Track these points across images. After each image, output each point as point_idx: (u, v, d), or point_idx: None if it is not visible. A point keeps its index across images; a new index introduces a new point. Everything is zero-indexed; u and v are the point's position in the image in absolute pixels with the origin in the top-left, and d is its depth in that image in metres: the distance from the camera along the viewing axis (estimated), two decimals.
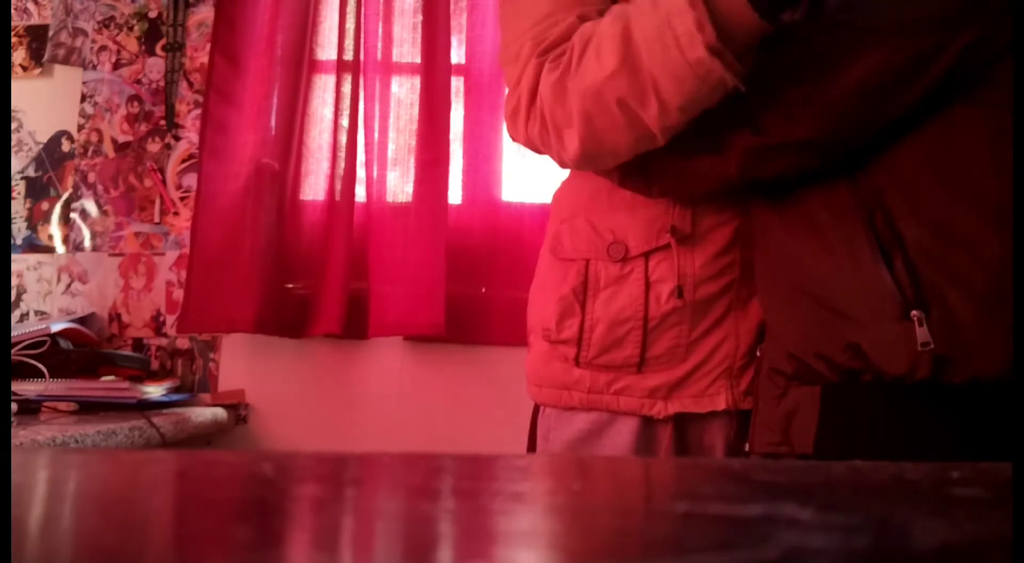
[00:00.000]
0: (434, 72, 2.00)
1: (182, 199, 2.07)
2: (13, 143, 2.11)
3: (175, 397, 1.86)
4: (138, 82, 2.12)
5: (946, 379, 0.83)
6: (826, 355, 0.91)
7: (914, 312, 0.84)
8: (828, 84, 0.87)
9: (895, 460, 0.47)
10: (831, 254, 0.91)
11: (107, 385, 1.71)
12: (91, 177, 2.08)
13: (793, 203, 0.97)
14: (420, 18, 2.05)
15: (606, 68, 0.89)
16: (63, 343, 1.80)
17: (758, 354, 1.06)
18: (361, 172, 2.02)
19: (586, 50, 0.92)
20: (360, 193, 2.01)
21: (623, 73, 0.89)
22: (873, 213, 0.88)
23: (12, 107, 2.11)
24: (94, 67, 2.12)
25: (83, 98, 2.11)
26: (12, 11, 2.14)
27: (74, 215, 2.08)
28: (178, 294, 2.01)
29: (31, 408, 1.60)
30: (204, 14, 2.13)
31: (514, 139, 1.05)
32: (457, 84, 2.04)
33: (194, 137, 2.08)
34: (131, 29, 2.13)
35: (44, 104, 2.12)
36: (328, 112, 2.07)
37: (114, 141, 2.10)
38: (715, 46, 0.83)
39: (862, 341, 0.88)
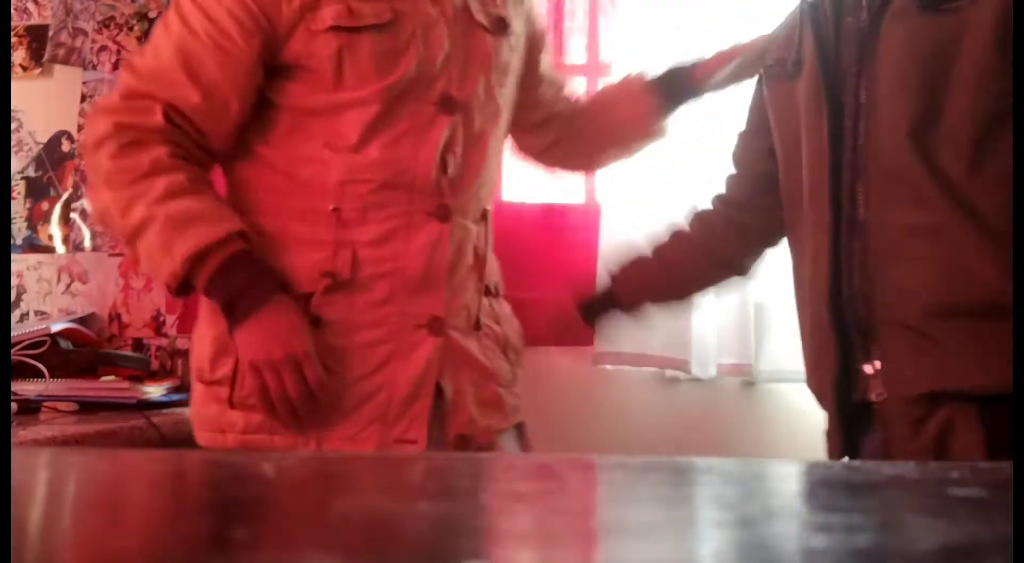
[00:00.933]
0: None
1: None
2: (13, 143, 2.11)
3: (175, 397, 1.85)
4: None
5: None
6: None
7: None
8: None
9: None
10: None
11: (107, 385, 1.70)
12: None
13: None
14: None
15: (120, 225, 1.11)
16: (63, 343, 1.80)
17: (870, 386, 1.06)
18: None
19: (134, 194, 1.09)
20: None
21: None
22: None
23: (12, 107, 2.10)
24: (94, 67, 2.12)
25: (83, 98, 2.11)
26: (12, 11, 2.14)
27: (74, 215, 2.08)
28: None
29: (31, 408, 1.60)
30: None
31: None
32: None
33: None
34: (131, 29, 2.13)
35: (44, 104, 2.12)
36: None
37: None
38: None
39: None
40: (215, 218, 1.10)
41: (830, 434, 1.11)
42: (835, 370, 1.06)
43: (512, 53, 1.28)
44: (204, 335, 1.16)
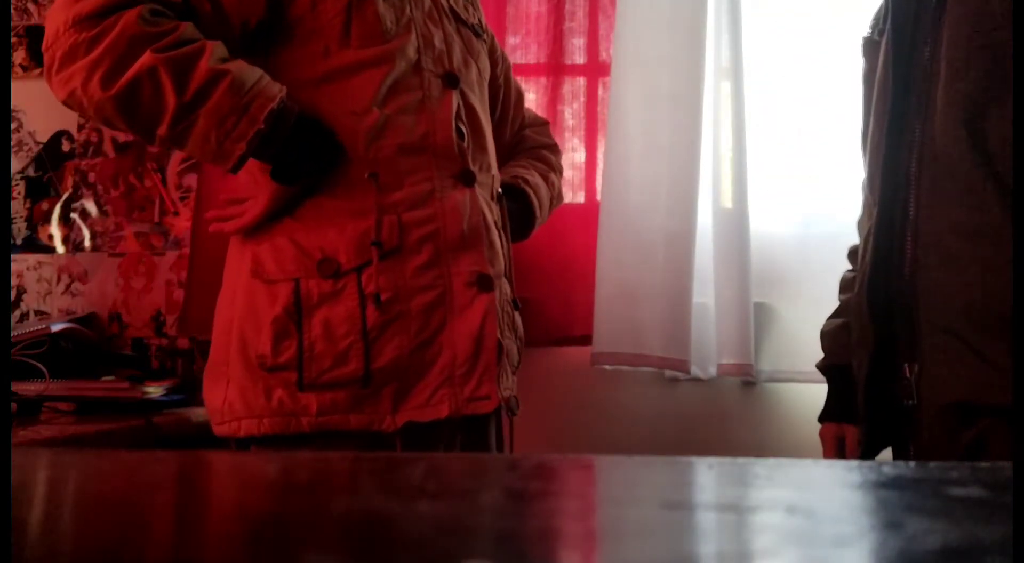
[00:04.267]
0: None
1: (182, 199, 2.07)
2: (13, 143, 2.11)
3: (175, 397, 1.85)
4: None
5: None
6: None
7: None
8: None
9: None
10: None
11: (107, 385, 1.70)
12: (91, 177, 2.08)
13: None
14: None
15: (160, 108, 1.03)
16: (63, 343, 1.80)
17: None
18: None
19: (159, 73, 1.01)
20: None
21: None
22: None
23: (12, 107, 2.10)
24: None
25: None
26: (12, 11, 2.14)
27: (74, 215, 2.08)
28: (178, 294, 2.01)
29: (31, 408, 1.60)
30: None
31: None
32: None
33: None
34: None
35: (44, 104, 2.12)
36: None
37: (114, 141, 2.10)
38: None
39: None
40: (270, 78, 1.08)
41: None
42: (871, 355, 1.04)
43: (487, 59, 1.35)
44: (253, 321, 1.13)
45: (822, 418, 1.23)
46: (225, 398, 1.16)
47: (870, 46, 1.12)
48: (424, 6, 1.22)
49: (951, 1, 0.96)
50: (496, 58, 1.45)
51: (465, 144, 1.21)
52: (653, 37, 1.74)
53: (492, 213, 1.25)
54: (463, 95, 1.23)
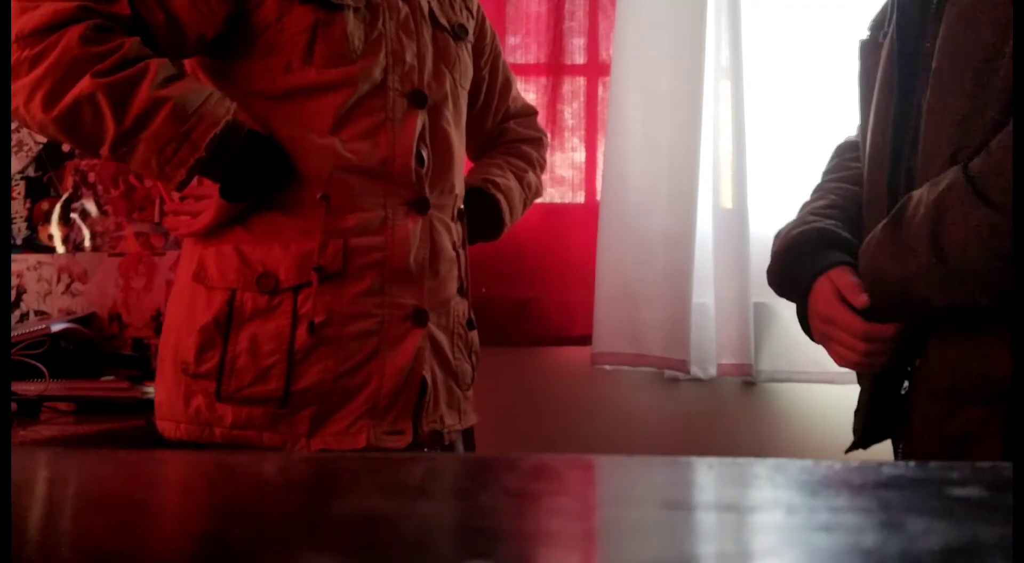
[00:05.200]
0: None
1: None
2: (13, 143, 2.11)
3: None
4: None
5: None
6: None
7: None
8: None
9: None
10: None
11: (107, 385, 1.70)
12: (91, 177, 2.08)
13: None
14: None
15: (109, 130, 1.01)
16: (63, 343, 1.80)
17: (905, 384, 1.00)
18: None
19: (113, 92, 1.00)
20: None
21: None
22: None
23: None
24: None
25: None
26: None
27: (74, 215, 2.08)
28: None
29: (31, 408, 1.60)
30: None
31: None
32: None
33: None
34: None
35: None
36: None
37: None
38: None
39: None
40: (218, 96, 1.06)
41: (857, 413, 1.08)
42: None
43: (470, 59, 1.33)
44: (187, 326, 1.13)
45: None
46: (157, 396, 1.19)
47: (868, 48, 1.11)
48: (400, 16, 1.19)
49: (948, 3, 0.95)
50: (483, 47, 1.42)
51: (425, 169, 1.18)
52: (653, 37, 1.74)
53: (451, 234, 1.24)
54: (432, 113, 1.21)
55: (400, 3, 1.19)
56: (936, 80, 0.93)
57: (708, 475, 0.47)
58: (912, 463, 0.47)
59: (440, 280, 1.21)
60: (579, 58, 1.88)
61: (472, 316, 1.32)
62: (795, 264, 1.07)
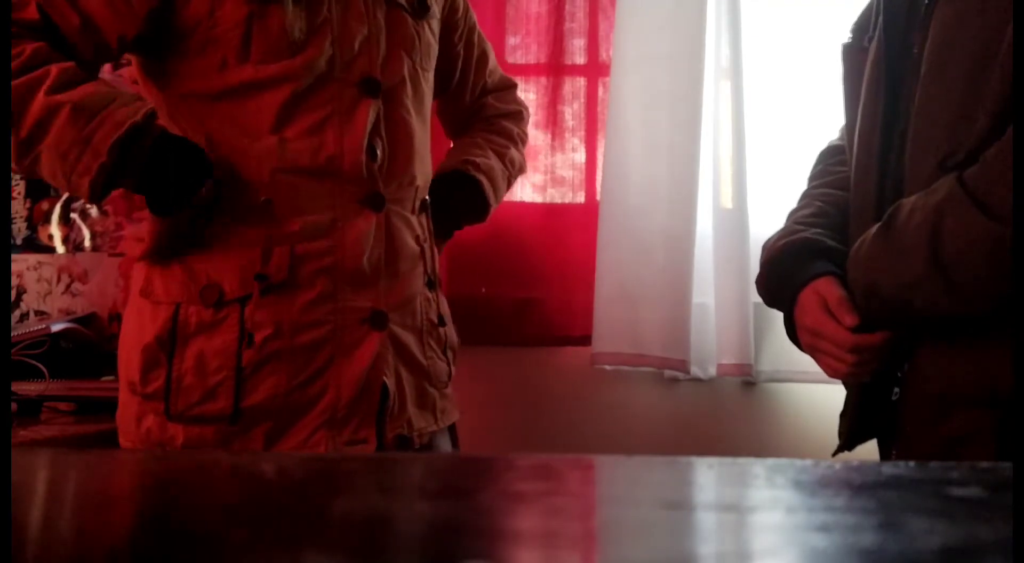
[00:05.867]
0: None
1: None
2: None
3: None
4: (138, 82, 2.11)
5: None
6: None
7: None
8: None
9: None
10: None
11: (107, 385, 1.70)
12: None
13: None
14: None
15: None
16: (63, 343, 1.80)
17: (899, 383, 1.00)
18: None
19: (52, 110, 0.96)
20: None
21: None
22: None
23: None
24: None
25: None
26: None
27: (74, 215, 2.08)
28: None
29: (31, 408, 1.60)
30: None
31: None
32: None
33: None
34: None
35: None
36: None
37: None
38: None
39: None
40: (127, 99, 1.00)
41: (843, 415, 1.09)
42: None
43: (434, 38, 1.24)
44: (131, 345, 1.10)
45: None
46: (120, 416, 1.14)
47: (852, 52, 1.11)
48: None
49: (940, 3, 0.95)
50: (455, 21, 1.34)
51: (378, 164, 1.12)
52: (653, 37, 1.74)
53: (412, 229, 1.18)
54: (387, 100, 1.14)
55: None
56: (925, 85, 0.94)
57: (708, 475, 0.47)
58: (912, 463, 0.47)
59: (401, 278, 1.15)
60: (579, 58, 1.88)
61: (443, 311, 1.26)
62: (781, 276, 1.08)
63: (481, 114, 1.43)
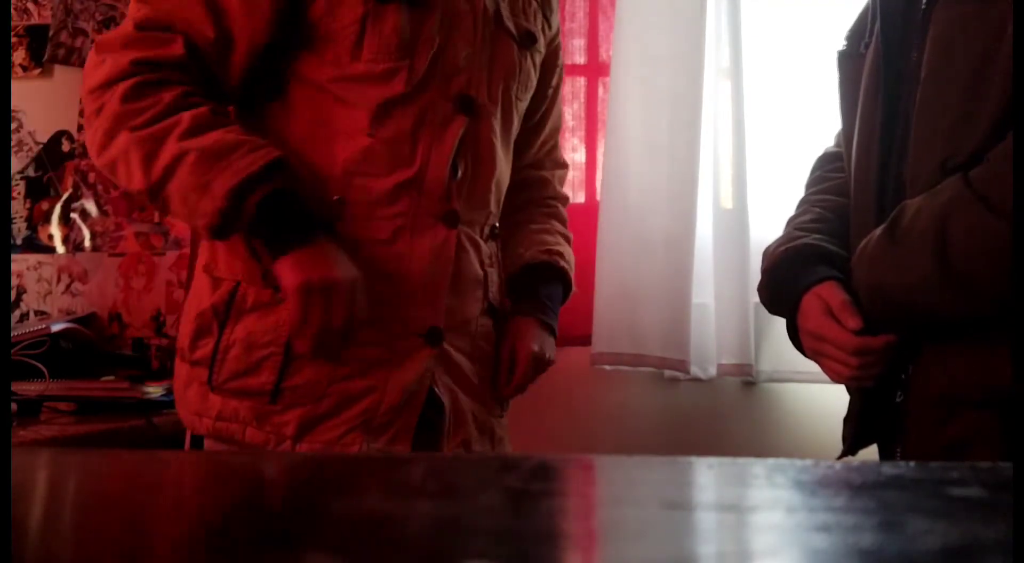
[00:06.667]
0: None
1: None
2: (13, 143, 2.11)
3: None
4: None
5: None
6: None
7: None
8: None
9: None
10: None
11: (107, 385, 1.71)
12: (91, 177, 2.08)
13: None
14: None
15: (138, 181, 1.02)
16: (63, 343, 1.80)
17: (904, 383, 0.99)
18: None
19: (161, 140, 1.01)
20: None
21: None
22: None
23: (12, 107, 2.10)
24: None
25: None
26: (12, 11, 2.14)
27: (74, 215, 2.08)
28: (178, 294, 2.01)
29: (31, 408, 1.60)
30: None
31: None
32: None
33: None
34: None
35: (44, 104, 2.12)
36: None
37: None
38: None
39: None
40: (252, 146, 1.02)
41: (846, 420, 1.08)
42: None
43: (534, 70, 1.25)
44: (188, 314, 1.12)
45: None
46: (176, 381, 1.16)
47: (848, 59, 1.10)
48: (459, 10, 1.12)
49: (938, 9, 0.95)
50: (555, 65, 1.33)
51: (459, 181, 1.12)
52: (653, 37, 1.75)
53: (479, 253, 1.17)
54: (477, 121, 1.14)
55: (460, 1, 1.13)
56: (925, 89, 0.94)
57: (708, 475, 0.47)
58: (912, 463, 0.47)
59: (461, 299, 1.14)
60: (579, 58, 1.88)
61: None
62: (783, 281, 1.07)
63: (543, 191, 1.40)
